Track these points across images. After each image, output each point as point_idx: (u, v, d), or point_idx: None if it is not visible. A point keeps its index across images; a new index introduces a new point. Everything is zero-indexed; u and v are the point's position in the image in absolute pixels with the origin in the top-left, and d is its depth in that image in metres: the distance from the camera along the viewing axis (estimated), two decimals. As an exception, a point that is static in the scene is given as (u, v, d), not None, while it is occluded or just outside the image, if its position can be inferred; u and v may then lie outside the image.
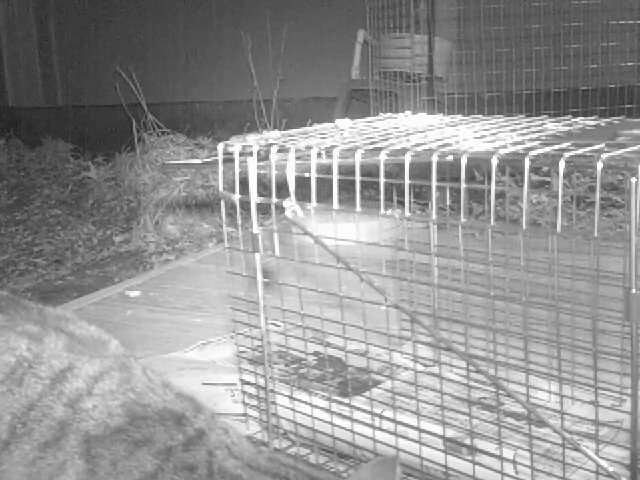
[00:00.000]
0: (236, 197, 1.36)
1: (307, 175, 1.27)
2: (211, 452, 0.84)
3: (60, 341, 0.88)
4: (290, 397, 1.51)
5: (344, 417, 1.46)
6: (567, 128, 1.39)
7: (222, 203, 1.42)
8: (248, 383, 1.58)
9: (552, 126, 1.42)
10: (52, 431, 0.82)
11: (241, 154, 1.34)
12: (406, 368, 1.64)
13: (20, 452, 0.81)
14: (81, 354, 0.88)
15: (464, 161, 1.13)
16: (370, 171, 1.23)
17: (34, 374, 0.85)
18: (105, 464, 0.80)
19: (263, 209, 1.38)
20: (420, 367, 1.68)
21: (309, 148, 1.28)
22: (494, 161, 1.12)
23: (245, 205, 1.36)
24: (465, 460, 1.37)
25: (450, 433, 1.42)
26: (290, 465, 0.87)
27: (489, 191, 1.12)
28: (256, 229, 1.35)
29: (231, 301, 1.48)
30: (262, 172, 1.33)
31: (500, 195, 2.13)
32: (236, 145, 1.35)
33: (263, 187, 1.35)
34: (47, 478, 0.80)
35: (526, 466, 1.31)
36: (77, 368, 0.86)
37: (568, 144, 1.15)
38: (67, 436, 0.81)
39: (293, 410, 1.51)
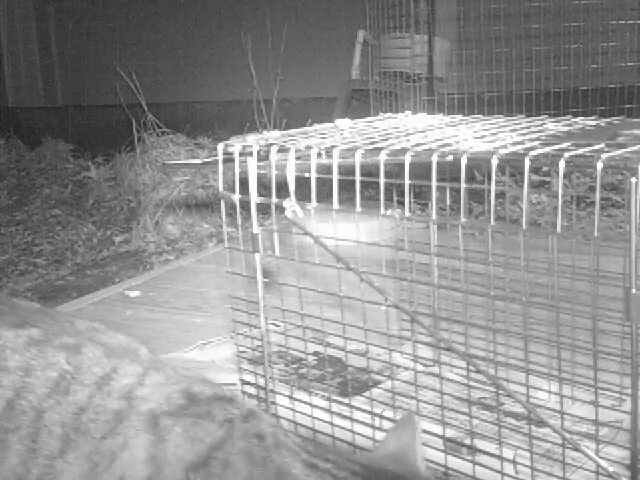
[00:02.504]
0: (236, 197, 1.36)
1: (307, 175, 1.27)
2: (270, 425, 0.86)
3: (98, 350, 0.89)
4: (290, 397, 1.51)
5: (344, 417, 1.46)
6: (567, 128, 1.39)
7: (222, 203, 1.42)
8: (248, 383, 1.58)
9: (552, 126, 1.42)
10: (109, 424, 0.82)
11: (241, 154, 1.34)
12: (406, 368, 1.64)
13: (78, 453, 0.81)
14: (120, 359, 0.88)
15: (464, 161, 1.13)
16: (370, 171, 1.23)
17: (78, 382, 0.85)
18: (174, 435, 0.81)
19: (263, 209, 1.38)
20: (420, 367, 1.68)
21: (309, 148, 1.28)
22: (494, 161, 1.12)
23: (245, 205, 1.36)
24: (465, 460, 1.37)
25: (450, 433, 1.42)
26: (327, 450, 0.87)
27: (489, 191, 1.12)
28: (256, 229, 1.35)
29: (231, 301, 1.48)
30: (262, 172, 1.33)
31: (500, 195, 2.13)
32: (236, 145, 1.35)
33: (263, 187, 1.35)
34: (109, 459, 0.81)
35: (526, 466, 1.32)
36: (121, 369, 0.87)
37: (568, 144, 1.15)
38: (128, 418, 0.82)
39: (293, 410, 1.51)
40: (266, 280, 1.39)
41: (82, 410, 0.83)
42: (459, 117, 1.57)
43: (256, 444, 0.82)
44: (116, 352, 0.90)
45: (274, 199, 1.32)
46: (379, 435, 1.43)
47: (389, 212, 1.25)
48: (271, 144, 1.32)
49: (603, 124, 1.45)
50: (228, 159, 1.36)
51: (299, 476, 0.80)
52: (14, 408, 0.83)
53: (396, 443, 0.91)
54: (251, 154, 1.33)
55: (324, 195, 1.28)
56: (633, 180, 1.00)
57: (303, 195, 1.28)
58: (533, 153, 1.11)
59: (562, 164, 1.07)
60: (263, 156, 1.32)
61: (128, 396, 0.84)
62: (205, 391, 0.87)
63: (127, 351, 0.93)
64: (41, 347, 0.87)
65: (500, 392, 1.44)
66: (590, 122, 1.46)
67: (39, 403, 0.83)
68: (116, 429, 0.82)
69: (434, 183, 1.16)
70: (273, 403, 1.49)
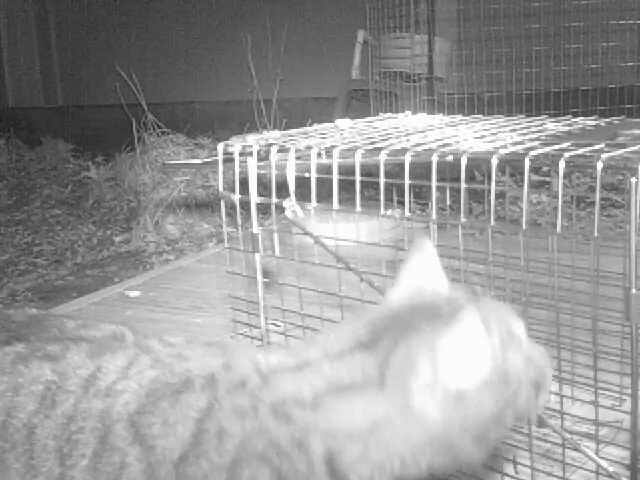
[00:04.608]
0: (236, 197, 1.36)
1: (307, 175, 1.27)
2: (254, 363, 0.86)
3: (82, 352, 0.90)
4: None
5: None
6: (567, 128, 1.39)
7: (222, 203, 1.42)
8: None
9: (552, 126, 1.42)
10: (96, 432, 0.83)
11: (241, 154, 1.34)
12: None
13: (77, 470, 0.82)
14: (103, 354, 0.89)
15: (464, 161, 1.13)
16: (370, 171, 1.23)
17: (64, 391, 0.86)
18: (156, 430, 0.82)
19: (263, 209, 1.38)
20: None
21: (309, 148, 1.28)
22: (494, 161, 1.12)
23: (245, 205, 1.36)
24: (465, 460, 1.37)
25: (450, 433, 1.42)
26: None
27: (489, 191, 1.12)
28: (256, 229, 1.35)
29: (231, 301, 1.48)
30: (262, 172, 1.33)
31: (500, 195, 2.13)
32: (236, 145, 1.35)
33: (263, 187, 1.35)
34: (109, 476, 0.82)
35: (526, 466, 1.32)
36: (104, 367, 0.88)
37: (568, 144, 1.15)
38: (113, 429, 0.83)
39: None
40: (266, 280, 1.39)
41: (70, 419, 0.84)
42: (459, 117, 1.57)
43: (243, 393, 0.83)
44: (101, 347, 0.91)
45: (274, 199, 1.32)
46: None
47: (389, 212, 1.25)
48: (271, 144, 1.32)
49: (603, 124, 1.45)
50: (228, 159, 1.36)
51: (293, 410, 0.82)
52: (7, 428, 0.84)
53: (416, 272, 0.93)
54: (251, 154, 1.33)
55: (324, 195, 1.28)
56: (633, 180, 1.00)
57: (303, 195, 1.28)
58: (533, 153, 1.11)
59: (562, 164, 1.07)
60: (263, 156, 1.32)
61: (110, 393, 0.85)
62: (184, 364, 0.88)
63: (113, 340, 0.93)
64: (27, 362, 0.88)
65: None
66: (590, 122, 1.46)
67: (29, 420, 0.84)
68: (107, 443, 0.83)
69: (434, 183, 1.16)
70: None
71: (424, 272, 0.93)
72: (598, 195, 1.05)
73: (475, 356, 0.81)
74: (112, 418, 0.83)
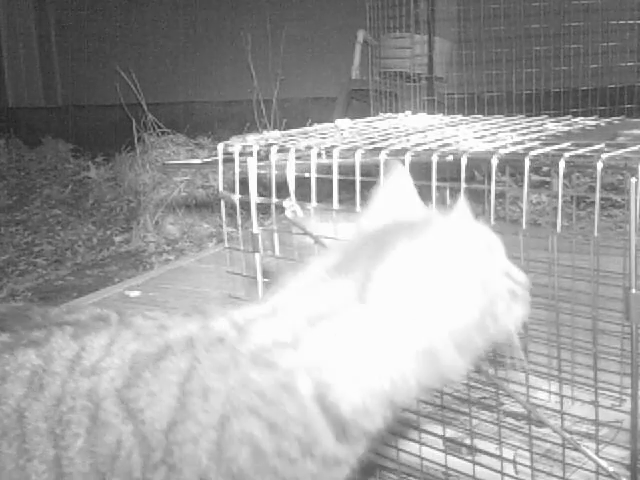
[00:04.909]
0: (236, 197, 1.36)
1: (307, 175, 1.27)
2: (230, 318, 0.87)
3: (66, 334, 0.90)
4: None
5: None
6: (567, 128, 1.39)
7: (222, 203, 1.42)
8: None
9: (552, 126, 1.42)
10: (86, 411, 0.84)
11: (241, 154, 1.34)
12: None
13: (73, 451, 0.83)
14: (87, 334, 0.89)
15: (464, 161, 1.13)
16: (370, 171, 1.23)
17: (50, 373, 0.86)
18: (143, 402, 0.83)
19: (263, 209, 1.38)
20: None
21: (309, 148, 1.28)
22: (494, 161, 1.12)
23: (245, 205, 1.36)
24: (465, 460, 1.37)
25: (450, 433, 1.42)
26: None
27: (489, 191, 1.12)
28: (256, 229, 1.35)
29: (231, 301, 1.48)
30: (262, 172, 1.33)
31: (500, 195, 2.13)
32: (236, 145, 1.35)
33: (263, 187, 1.35)
34: (109, 462, 0.82)
35: (526, 466, 1.32)
36: (88, 346, 0.88)
37: (568, 144, 1.15)
38: (102, 406, 0.83)
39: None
40: (266, 280, 1.39)
41: (59, 400, 0.84)
42: (459, 117, 1.57)
43: (222, 349, 0.83)
44: (85, 327, 0.91)
45: (274, 199, 1.32)
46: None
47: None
48: (271, 144, 1.32)
49: (603, 124, 1.45)
50: (228, 159, 1.36)
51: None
52: None
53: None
54: (251, 154, 1.33)
55: (324, 195, 1.28)
56: (633, 180, 1.00)
57: (303, 195, 1.28)
58: (533, 153, 1.11)
59: (562, 164, 1.07)
60: (263, 156, 1.32)
61: (95, 370, 0.86)
62: (166, 325, 0.89)
63: (97, 321, 0.94)
64: (12, 350, 0.89)
65: (500, 392, 1.44)
66: (590, 122, 1.46)
67: (18, 405, 0.84)
68: (98, 421, 0.83)
69: (434, 183, 1.16)
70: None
71: (397, 196, 0.93)
72: (598, 195, 1.05)
73: (452, 264, 0.81)
74: (100, 395, 0.84)
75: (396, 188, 0.94)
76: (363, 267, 0.82)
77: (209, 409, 0.81)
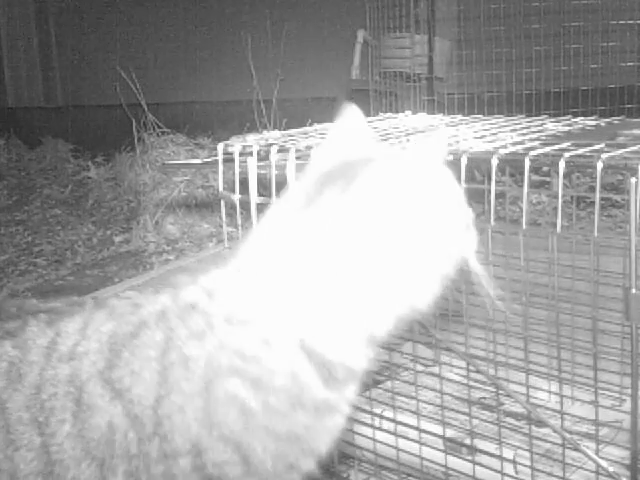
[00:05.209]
0: (236, 197, 1.36)
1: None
2: (199, 284, 0.87)
3: (40, 322, 0.90)
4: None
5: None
6: (567, 128, 1.39)
7: (222, 203, 1.42)
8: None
9: (552, 126, 1.42)
10: (70, 396, 0.84)
11: (241, 154, 1.34)
12: (406, 368, 1.64)
13: (61, 437, 0.83)
14: (62, 320, 0.89)
15: (464, 161, 1.13)
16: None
17: (27, 363, 0.86)
18: (128, 381, 0.83)
19: (263, 209, 1.38)
20: (420, 367, 1.68)
21: (309, 148, 1.28)
22: (494, 161, 1.12)
23: (245, 205, 1.36)
24: (465, 460, 1.37)
25: (450, 433, 1.42)
26: None
27: (489, 191, 1.12)
28: (256, 229, 1.35)
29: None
30: (262, 172, 1.33)
31: (500, 195, 2.13)
32: (236, 145, 1.35)
33: (263, 187, 1.35)
34: (106, 446, 0.82)
35: (526, 466, 1.32)
36: (63, 332, 0.88)
37: (568, 144, 1.15)
38: (86, 389, 0.84)
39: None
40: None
41: (38, 389, 0.85)
42: (459, 117, 1.57)
43: (194, 315, 0.84)
44: (60, 314, 0.91)
45: (274, 199, 1.32)
46: (380, 435, 1.43)
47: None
48: (271, 144, 1.32)
49: (603, 124, 1.45)
50: (228, 159, 1.36)
51: None
52: None
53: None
54: (251, 154, 1.33)
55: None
56: (633, 180, 1.00)
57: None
58: (533, 153, 1.11)
59: (562, 164, 1.07)
60: (263, 156, 1.32)
61: (75, 356, 0.86)
62: (139, 303, 0.90)
63: (72, 306, 0.94)
64: None
65: (500, 392, 1.44)
66: (590, 122, 1.46)
67: None
68: (82, 402, 0.83)
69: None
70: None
71: (350, 135, 0.93)
72: (598, 195, 1.05)
73: (402, 194, 0.82)
74: (82, 379, 0.84)
75: (350, 128, 0.94)
76: (319, 205, 0.84)
77: (191, 377, 0.81)
